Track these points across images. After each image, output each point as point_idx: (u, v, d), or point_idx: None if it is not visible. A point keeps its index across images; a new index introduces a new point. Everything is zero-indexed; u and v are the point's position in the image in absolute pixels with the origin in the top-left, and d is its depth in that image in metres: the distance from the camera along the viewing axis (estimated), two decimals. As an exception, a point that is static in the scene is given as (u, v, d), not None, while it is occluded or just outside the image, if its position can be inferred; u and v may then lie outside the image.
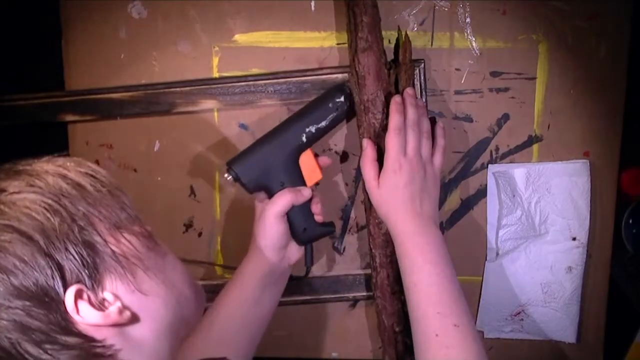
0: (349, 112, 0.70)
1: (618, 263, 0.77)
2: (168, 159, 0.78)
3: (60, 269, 0.41)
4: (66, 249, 0.42)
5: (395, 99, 0.66)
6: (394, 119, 0.65)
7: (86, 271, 0.42)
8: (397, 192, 0.64)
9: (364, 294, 0.79)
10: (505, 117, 0.75)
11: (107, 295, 0.44)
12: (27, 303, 0.40)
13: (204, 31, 0.75)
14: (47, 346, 0.41)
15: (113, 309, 0.43)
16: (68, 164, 0.46)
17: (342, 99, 0.68)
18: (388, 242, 0.71)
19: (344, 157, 0.77)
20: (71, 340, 0.42)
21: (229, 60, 0.76)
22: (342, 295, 0.80)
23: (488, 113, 0.75)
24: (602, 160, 0.74)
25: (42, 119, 0.77)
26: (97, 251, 0.43)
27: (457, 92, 0.75)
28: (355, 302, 0.81)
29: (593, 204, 0.75)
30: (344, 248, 0.80)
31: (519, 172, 0.75)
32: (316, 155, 0.70)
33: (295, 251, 0.71)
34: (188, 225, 0.80)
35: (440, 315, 0.59)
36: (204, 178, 0.79)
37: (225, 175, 0.68)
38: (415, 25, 0.73)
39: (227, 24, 0.75)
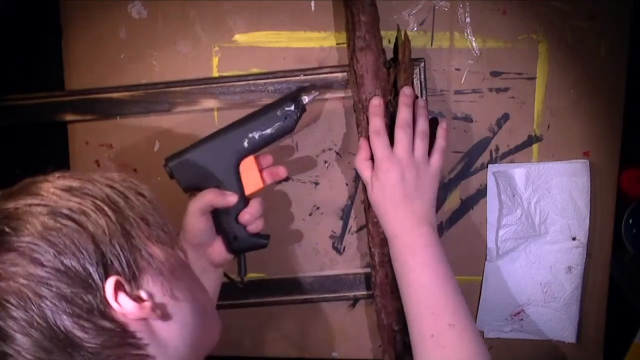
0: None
1: (618, 263, 0.77)
2: (168, 159, 0.78)
3: (104, 259, 0.44)
4: (111, 244, 0.44)
5: (373, 102, 0.67)
6: (373, 122, 0.66)
7: (126, 268, 0.45)
8: (386, 192, 0.64)
9: (364, 293, 0.79)
10: (505, 117, 0.75)
11: (142, 293, 0.46)
12: (71, 282, 0.42)
13: (204, 31, 0.75)
14: (84, 324, 0.43)
15: (147, 304, 0.45)
16: (115, 177, 0.50)
17: (292, 107, 0.66)
18: (386, 241, 0.70)
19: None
20: (107, 324, 0.44)
21: (229, 60, 0.76)
22: (342, 294, 0.80)
23: (488, 113, 0.75)
24: (602, 160, 0.74)
25: (42, 119, 0.77)
26: (138, 252, 0.46)
27: (457, 92, 0.75)
28: (355, 301, 0.81)
29: (593, 204, 0.75)
30: (344, 248, 0.80)
31: (518, 172, 0.75)
32: (261, 165, 0.68)
33: (219, 253, 0.68)
34: (188, 225, 0.80)
35: (434, 316, 0.59)
36: (204, 178, 0.79)
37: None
38: (415, 25, 0.73)
39: (227, 24, 0.75)
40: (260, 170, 0.68)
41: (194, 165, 0.66)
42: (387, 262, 0.71)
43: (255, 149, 0.67)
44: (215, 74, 0.76)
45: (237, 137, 0.66)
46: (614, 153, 0.74)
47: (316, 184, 0.78)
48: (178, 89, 0.75)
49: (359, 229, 0.79)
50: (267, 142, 0.67)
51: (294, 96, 0.68)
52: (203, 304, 0.53)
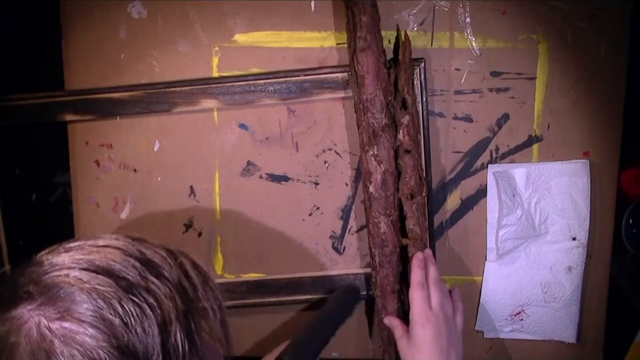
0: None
1: (618, 263, 0.77)
2: (168, 159, 0.78)
3: (164, 346, 0.43)
4: (175, 333, 0.43)
5: (418, 256, 0.69)
6: (416, 274, 0.67)
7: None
8: (423, 347, 0.65)
9: (364, 293, 0.79)
10: (505, 117, 0.75)
11: None
12: None
13: (204, 31, 0.76)
14: None
15: None
16: (186, 261, 0.49)
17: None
18: (387, 242, 0.71)
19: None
20: None
21: (229, 60, 0.76)
22: (342, 295, 0.80)
23: (488, 113, 0.75)
24: (602, 160, 0.74)
25: (42, 119, 0.77)
26: (194, 343, 0.45)
27: (457, 92, 0.75)
28: (355, 302, 0.81)
29: (593, 204, 0.75)
30: (344, 248, 0.80)
31: (519, 172, 0.75)
32: None
33: None
34: (188, 225, 0.80)
35: None
36: (204, 178, 0.79)
37: None
38: (415, 25, 0.73)
39: (227, 24, 0.75)
40: None
41: (308, 353, 0.67)
42: (387, 262, 0.71)
43: None
44: (215, 74, 0.76)
45: (332, 324, 0.70)
46: (614, 153, 0.74)
47: (316, 184, 0.78)
48: (178, 89, 0.75)
49: (359, 229, 0.79)
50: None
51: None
52: None
